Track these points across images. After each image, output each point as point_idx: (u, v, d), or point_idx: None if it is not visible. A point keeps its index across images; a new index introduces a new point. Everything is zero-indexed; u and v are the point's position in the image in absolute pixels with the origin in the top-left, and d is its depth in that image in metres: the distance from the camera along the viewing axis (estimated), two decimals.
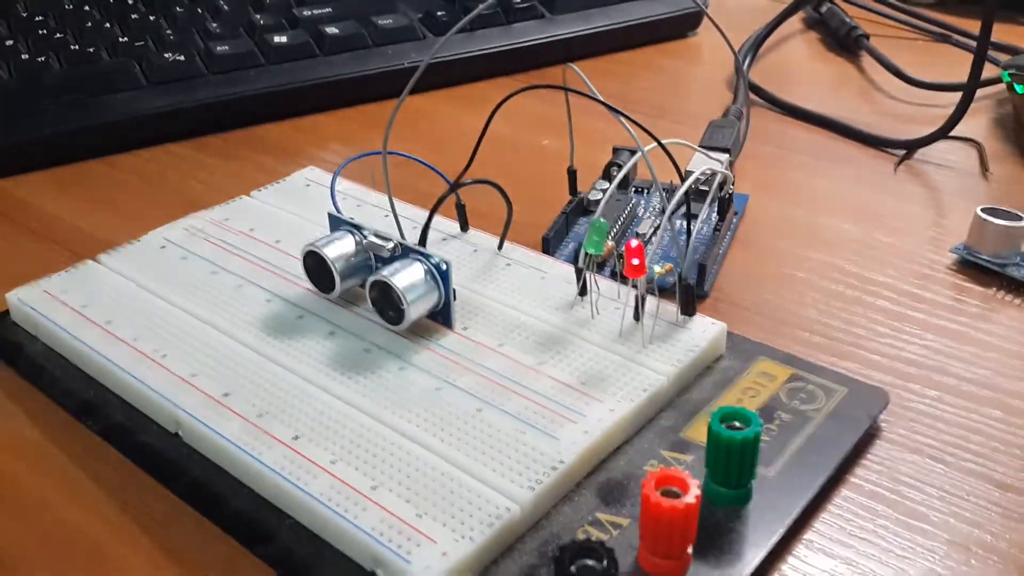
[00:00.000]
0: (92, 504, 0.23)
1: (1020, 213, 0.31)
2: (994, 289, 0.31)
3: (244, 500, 0.22)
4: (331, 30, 0.46)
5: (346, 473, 0.21)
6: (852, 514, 0.22)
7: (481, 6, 0.29)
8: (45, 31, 0.45)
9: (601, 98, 0.26)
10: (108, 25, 0.46)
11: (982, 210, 0.31)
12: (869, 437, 0.24)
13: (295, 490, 0.21)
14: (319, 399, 0.24)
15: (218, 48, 0.44)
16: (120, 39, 0.44)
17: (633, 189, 0.35)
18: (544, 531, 0.21)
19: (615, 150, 0.36)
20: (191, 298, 0.28)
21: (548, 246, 0.32)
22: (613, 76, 0.49)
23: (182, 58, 0.43)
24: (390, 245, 0.26)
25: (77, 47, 0.43)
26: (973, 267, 0.31)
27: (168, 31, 0.45)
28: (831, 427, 0.24)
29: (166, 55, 0.43)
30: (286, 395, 0.24)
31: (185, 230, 0.31)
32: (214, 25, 0.46)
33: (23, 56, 0.42)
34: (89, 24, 0.46)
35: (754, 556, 0.20)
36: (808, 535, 0.22)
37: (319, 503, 0.21)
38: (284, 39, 0.45)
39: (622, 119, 0.26)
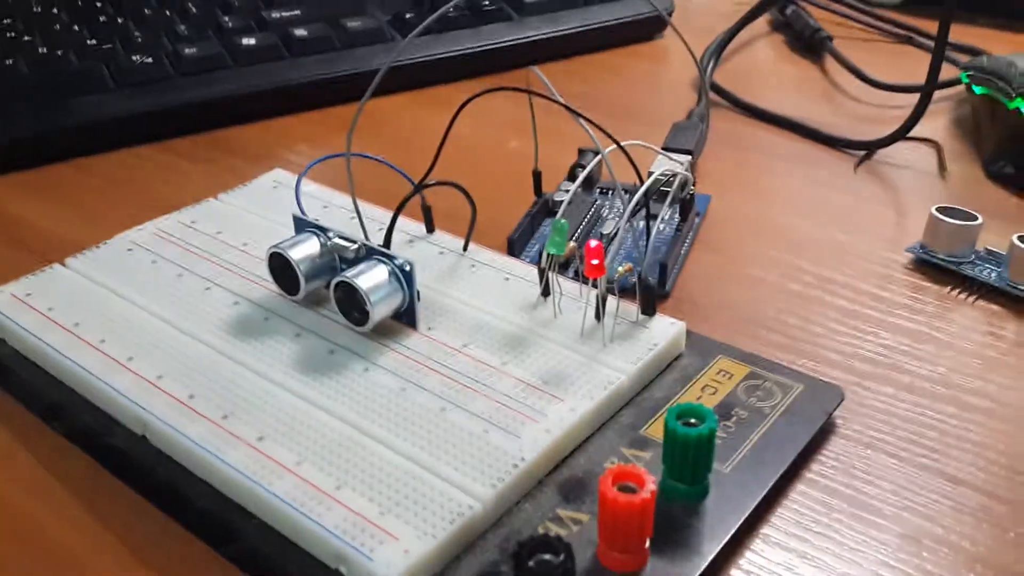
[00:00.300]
0: (59, 505, 0.23)
1: (975, 213, 0.32)
2: (949, 288, 0.31)
3: (210, 500, 0.22)
4: (300, 32, 0.46)
5: (310, 473, 0.22)
6: (807, 508, 0.23)
7: (444, 8, 0.29)
8: (13, 33, 0.45)
9: (562, 101, 0.26)
10: (76, 28, 0.46)
11: (937, 209, 0.32)
12: (825, 433, 0.25)
13: (260, 490, 0.21)
14: (284, 400, 0.24)
15: (186, 50, 0.44)
16: (88, 42, 0.44)
17: (598, 190, 0.36)
18: (505, 528, 0.21)
19: (580, 151, 0.36)
20: (158, 301, 0.28)
21: (513, 247, 0.32)
22: (579, 78, 0.50)
23: (150, 60, 0.43)
24: (354, 247, 0.26)
25: (45, 50, 0.43)
26: (929, 266, 0.32)
27: (136, 33, 0.46)
28: (787, 423, 0.24)
29: (134, 58, 0.43)
30: (251, 396, 0.24)
31: (152, 233, 0.31)
32: (182, 27, 0.47)
33: None
34: (57, 27, 0.46)
35: (710, 550, 0.21)
36: (764, 529, 0.22)
37: (284, 503, 0.21)
38: (253, 41, 0.45)
39: (582, 121, 0.26)
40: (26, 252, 0.34)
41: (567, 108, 0.26)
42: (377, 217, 0.31)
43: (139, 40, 0.45)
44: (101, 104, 0.41)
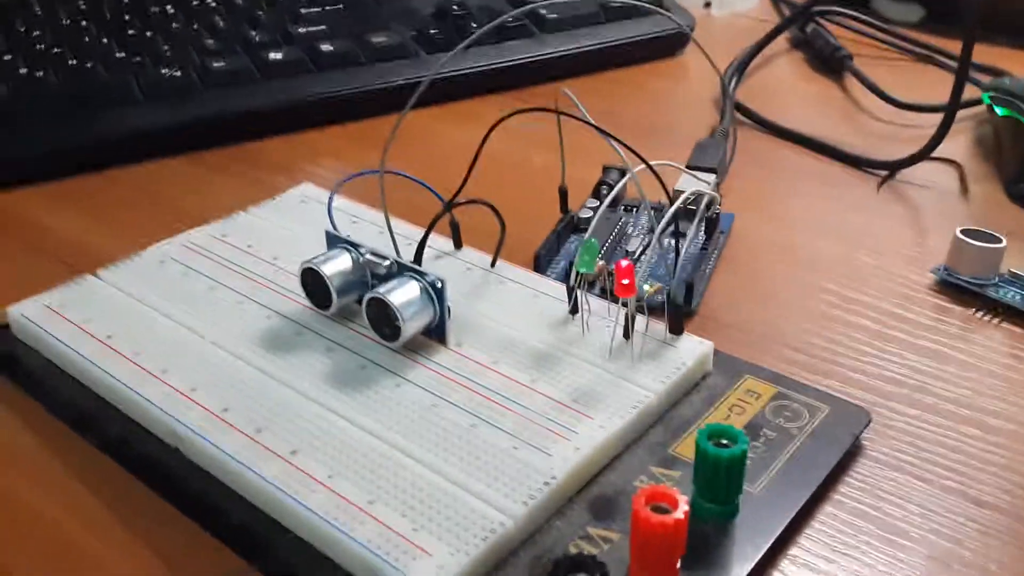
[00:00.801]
0: (90, 516, 0.24)
1: (998, 235, 0.32)
2: (973, 310, 0.31)
3: (243, 513, 0.23)
4: (326, 47, 0.47)
5: (343, 487, 0.22)
6: (836, 530, 0.23)
7: (488, 26, 0.29)
8: (42, 46, 0.45)
9: (593, 122, 0.27)
10: (105, 41, 0.46)
11: (961, 231, 0.32)
12: (852, 455, 0.25)
13: (293, 504, 0.22)
14: (317, 415, 0.24)
15: (214, 64, 0.44)
16: (117, 54, 0.45)
17: (623, 208, 0.36)
18: (537, 545, 0.21)
19: (605, 169, 0.37)
20: (191, 313, 0.28)
21: (540, 264, 0.32)
22: (602, 95, 0.50)
23: (178, 73, 0.44)
24: (386, 263, 0.27)
25: (75, 62, 0.44)
26: (953, 288, 0.32)
27: (165, 47, 0.46)
28: (815, 445, 0.24)
29: (162, 71, 0.44)
30: (285, 410, 0.24)
31: (184, 246, 0.32)
32: (210, 41, 0.47)
33: (20, 71, 0.43)
34: (86, 39, 0.46)
35: (741, 570, 0.21)
36: (793, 551, 0.22)
37: (317, 517, 0.21)
38: (279, 55, 0.46)
39: (613, 142, 0.26)
40: (56, 263, 0.34)
41: (598, 129, 0.26)
42: (405, 232, 0.32)
43: (168, 53, 0.45)
44: (130, 116, 0.42)
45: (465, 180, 0.29)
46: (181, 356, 0.26)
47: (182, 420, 0.24)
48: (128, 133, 0.41)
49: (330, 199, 0.29)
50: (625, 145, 0.27)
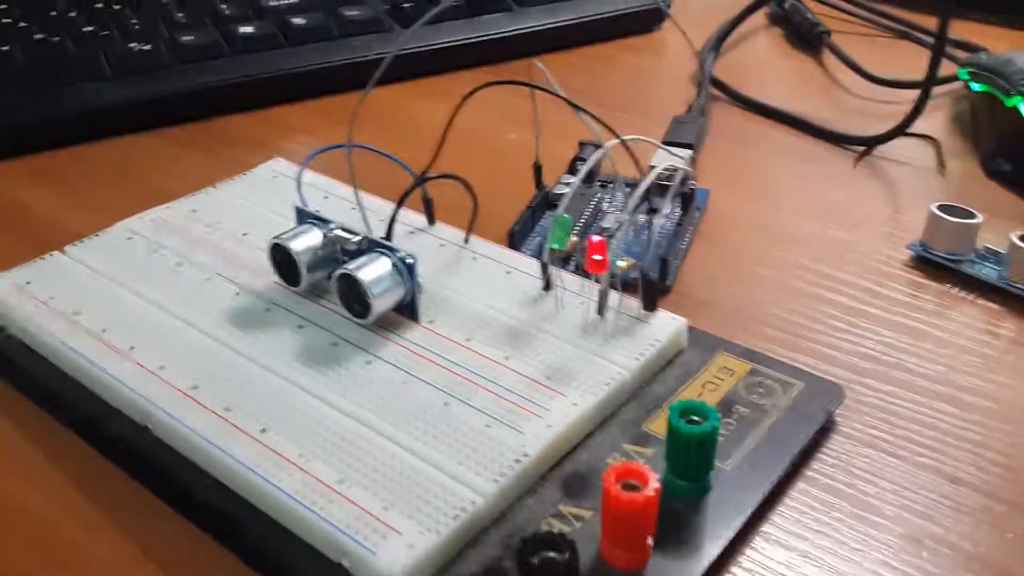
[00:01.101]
0: (59, 495, 0.23)
1: (974, 211, 0.32)
2: (949, 285, 0.31)
3: (212, 493, 0.22)
4: (297, 21, 0.46)
5: (313, 466, 0.22)
6: (808, 507, 0.23)
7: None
8: (9, 20, 0.44)
9: (565, 96, 0.26)
10: (73, 15, 0.46)
11: (937, 207, 0.32)
12: (825, 431, 0.25)
13: (263, 483, 0.21)
14: (287, 392, 0.24)
15: (183, 38, 0.44)
16: (85, 29, 0.44)
17: (598, 184, 0.36)
18: (508, 523, 0.21)
19: (581, 144, 0.36)
20: (159, 290, 0.28)
21: (514, 240, 0.32)
22: (578, 70, 0.50)
23: (148, 48, 0.43)
24: (357, 239, 0.26)
25: (41, 36, 0.43)
26: (929, 263, 0.32)
27: (133, 20, 0.45)
28: (788, 421, 0.24)
29: (131, 45, 0.43)
30: (254, 388, 0.24)
31: (152, 221, 0.31)
32: (180, 15, 0.46)
33: None
34: (54, 13, 0.45)
35: (713, 548, 0.21)
36: (765, 527, 0.22)
37: (286, 496, 0.21)
38: (250, 29, 0.45)
39: (586, 117, 0.26)
40: (23, 239, 0.33)
41: (570, 103, 0.26)
42: (377, 208, 0.31)
43: (136, 27, 0.45)
44: (98, 92, 0.41)
45: (436, 153, 0.29)
46: (149, 333, 0.26)
47: (150, 398, 0.24)
48: (96, 109, 0.41)
49: (299, 173, 0.29)
50: (598, 119, 0.26)
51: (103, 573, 0.21)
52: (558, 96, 0.27)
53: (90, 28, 0.44)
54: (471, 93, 0.28)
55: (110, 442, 0.24)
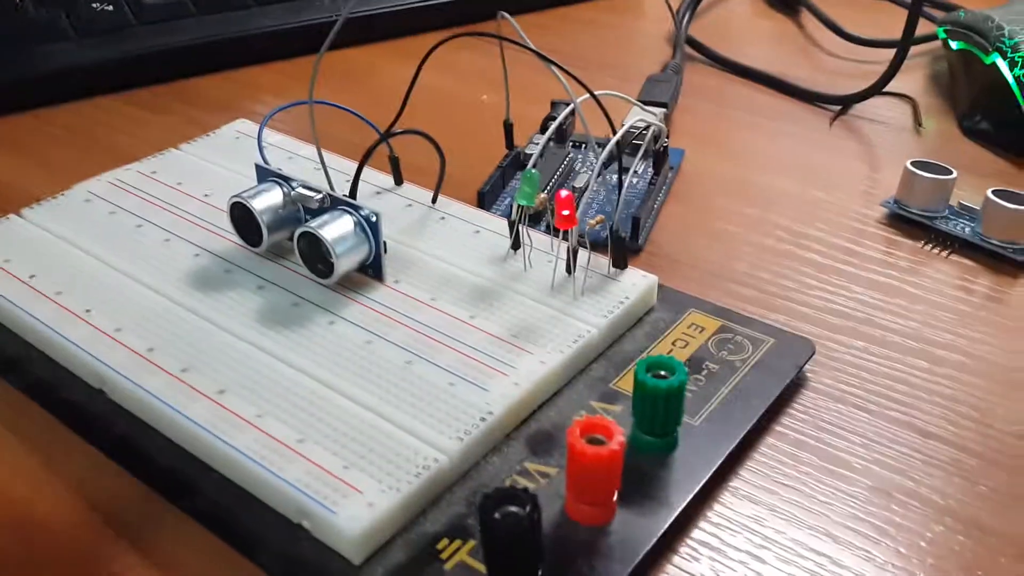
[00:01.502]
0: (14, 460, 0.23)
1: (949, 167, 0.31)
2: (923, 242, 0.31)
3: (169, 455, 0.22)
4: None
5: (272, 427, 0.21)
6: (777, 461, 0.23)
7: None
8: None
9: (533, 47, 0.26)
10: None
11: (912, 163, 0.32)
12: (795, 387, 0.25)
13: (219, 444, 0.21)
14: (246, 353, 0.23)
15: None
16: None
17: (571, 143, 0.35)
18: (473, 481, 0.21)
19: (553, 104, 0.36)
20: (116, 252, 0.27)
21: (484, 201, 0.31)
22: (553, 31, 0.49)
23: (111, 8, 0.42)
24: (319, 196, 0.26)
25: None
26: (903, 220, 0.32)
27: None
28: (757, 377, 0.24)
29: (94, 5, 0.42)
30: (212, 350, 0.23)
31: (111, 183, 0.31)
32: None
33: None
34: None
35: (679, 502, 0.20)
36: (733, 482, 0.22)
37: (244, 456, 0.20)
38: None
39: (555, 69, 0.25)
40: None
41: (538, 54, 0.25)
42: (345, 169, 0.31)
43: None
44: (61, 53, 0.40)
45: (401, 109, 0.28)
46: (105, 296, 0.25)
47: (106, 361, 0.23)
48: (59, 70, 0.40)
49: (260, 130, 0.28)
50: (570, 74, 0.26)
51: (57, 534, 0.21)
52: (527, 48, 0.26)
53: None
54: (437, 45, 0.27)
55: (65, 406, 0.23)
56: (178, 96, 0.41)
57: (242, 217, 0.26)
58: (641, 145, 0.30)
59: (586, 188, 0.32)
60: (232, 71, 0.43)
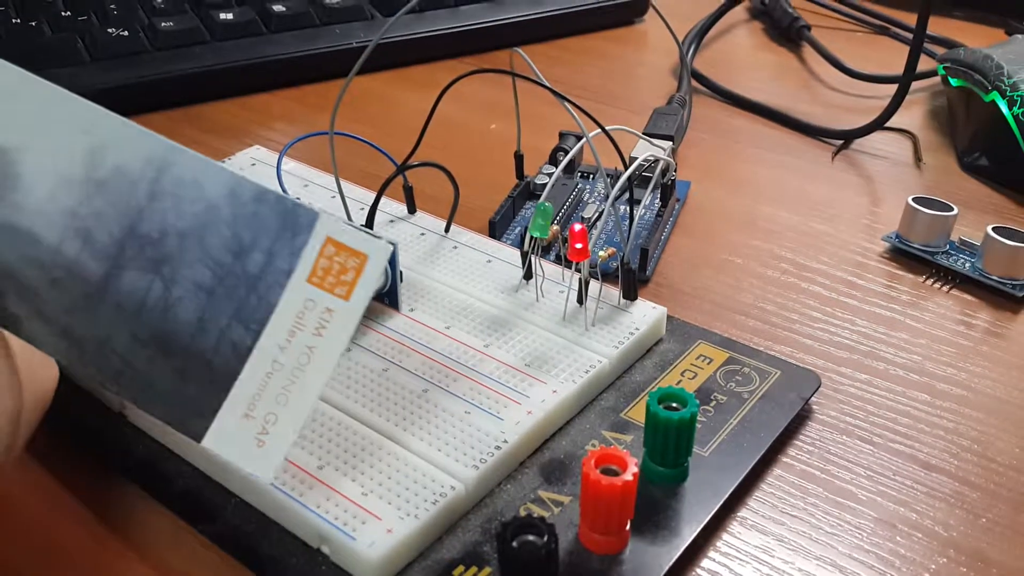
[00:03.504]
0: (35, 482, 0.23)
1: (950, 204, 0.32)
2: (924, 277, 0.32)
3: (189, 479, 0.22)
4: (278, 8, 0.46)
5: (292, 452, 0.22)
6: (784, 492, 0.23)
7: None
8: None
9: (547, 83, 0.26)
10: None
11: (913, 200, 0.32)
12: (801, 418, 0.25)
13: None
14: None
15: (162, 24, 0.43)
16: (63, 13, 0.44)
17: (579, 174, 0.36)
18: (488, 509, 0.21)
19: (561, 135, 0.36)
20: None
21: (495, 230, 0.32)
22: (560, 62, 0.50)
23: (126, 33, 0.43)
24: None
25: (18, 20, 0.43)
26: (905, 255, 0.33)
27: (112, 6, 0.45)
28: (765, 408, 0.24)
29: (109, 30, 0.43)
30: None
31: None
32: (159, 1, 0.46)
33: None
34: None
35: (690, 532, 0.21)
36: (742, 512, 0.22)
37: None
38: (230, 16, 0.45)
39: (567, 104, 0.26)
40: None
41: (552, 91, 0.26)
42: (358, 197, 0.31)
43: (115, 12, 0.44)
44: (76, 77, 0.41)
45: (418, 142, 0.29)
46: None
47: None
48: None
49: (279, 160, 0.29)
50: (581, 109, 0.26)
51: (73, 553, 0.21)
52: (540, 84, 0.27)
53: (68, 13, 0.44)
54: (453, 82, 0.28)
55: (86, 430, 0.24)
56: (191, 121, 0.42)
57: None
58: (650, 177, 0.31)
59: (596, 219, 0.32)
60: (244, 97, 0.44)
